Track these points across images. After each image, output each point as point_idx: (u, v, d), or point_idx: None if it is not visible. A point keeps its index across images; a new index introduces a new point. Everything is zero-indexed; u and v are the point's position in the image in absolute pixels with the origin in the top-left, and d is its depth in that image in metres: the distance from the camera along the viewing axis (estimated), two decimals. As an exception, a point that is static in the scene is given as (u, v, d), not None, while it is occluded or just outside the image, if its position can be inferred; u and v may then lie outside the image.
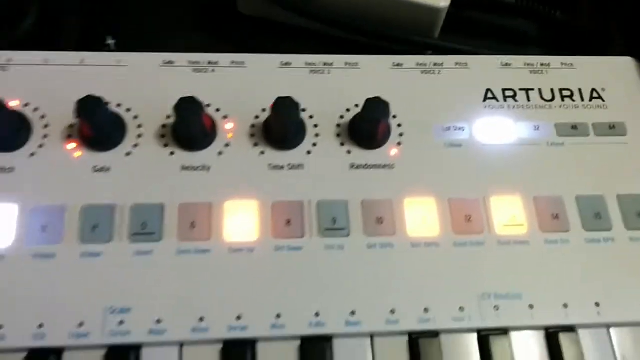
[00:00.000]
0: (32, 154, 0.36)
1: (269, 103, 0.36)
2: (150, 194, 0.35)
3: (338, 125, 0.38)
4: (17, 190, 0.35)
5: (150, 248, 0.34)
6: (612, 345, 0.35)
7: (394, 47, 0.45)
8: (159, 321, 0.33)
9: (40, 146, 0.36)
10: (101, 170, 0.36)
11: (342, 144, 0.38)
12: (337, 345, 0.33)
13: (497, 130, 0.39)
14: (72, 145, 0.36)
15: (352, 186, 0.37)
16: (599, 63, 0.43)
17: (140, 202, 0.35)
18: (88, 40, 0.45)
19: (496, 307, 0.34)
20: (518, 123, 0.40)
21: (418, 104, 0.40)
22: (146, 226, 0.35)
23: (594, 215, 0.37)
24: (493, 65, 0.42)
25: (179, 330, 0.33)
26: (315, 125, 0.38)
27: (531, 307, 0.34)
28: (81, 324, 0.32)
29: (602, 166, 0.39)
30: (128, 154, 0.36)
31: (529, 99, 0.41)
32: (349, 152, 0.38)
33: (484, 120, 0.40)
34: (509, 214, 0.37)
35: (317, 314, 0.33)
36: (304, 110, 0.38)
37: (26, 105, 0.37)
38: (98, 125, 0.35)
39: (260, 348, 0.33)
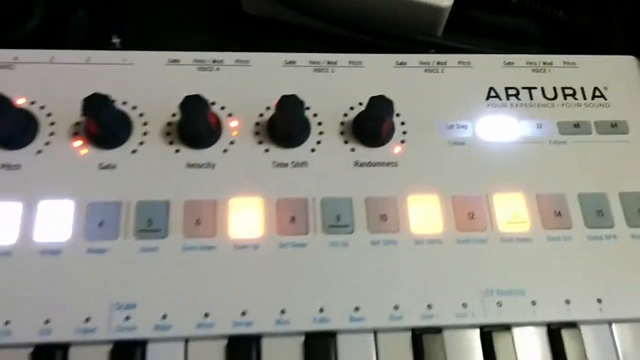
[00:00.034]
0: (39, 152, 0.36)
1: (273, 101, 0.36)
2: (156, 191, 0.36)
3: (342, 123, 0.39)
4: (23, 188, 0.35)
5: (155, 244, 0.34)
6: (614, 341, 0.35)
7: (397, 45, 0.45)
8: (164, 317, 0.33)
9: (47, 144, 0.36)
10: (107, 167, 0.36)
11: (346, 142, 0.38)
12: (341, 340, 0.34)
13: (500, 128, 0.40)
14: (78, 143, 0.37)
15: (356, 183, 0.37)
16: (601, 62, 0.43)
17: (146, 199, 0.35)
18: (93, 39, 0.46)
19: (499, 304, 0.35)
20: (521, 121, 0.40)
21: (421, 102, 0.40)
22: (152, 223, 0.35)
23: (596, 213, 0.37)
24: (496, 64, 0.42)
25: (185, 326, 0.33)
26: (320, 123, 0.39)
27: (534, 303, 0.35)
28: (87, 320, 0.33)
29: (604, 164, 0.39)
30: (134, 151, 0.37)
31: (531, 98, 0.41)
32: (352, 149, 0.38)
33: (487, 118, 0.40)
34: (511, 211, 0.37)
35: (321, 310, 0.34)
36: (308, 108, 0.39)
37: (32, 103, 0.37)
38: (104, 123, 0.35)
39: (265, 343, 0.33)
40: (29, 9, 0.44)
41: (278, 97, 0.36)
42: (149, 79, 0.39)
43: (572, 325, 0.35)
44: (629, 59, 0.44)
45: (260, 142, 0.38)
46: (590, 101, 0.41)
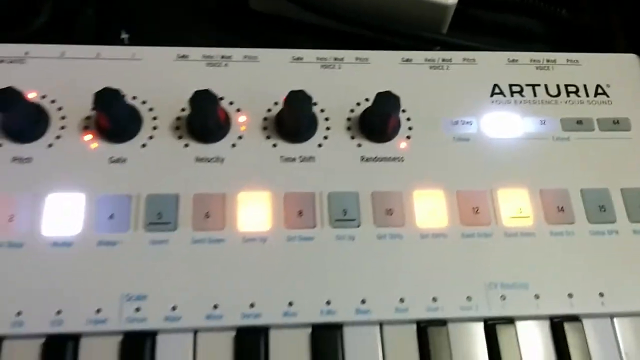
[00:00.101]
0: (50, 145, 0.37)
1: (281, 97, 0.37)
2: (166, 185, 0.36)
3: (348, 119, 0.39)
4: (35, 181, 0.36)
5: (165, 237, 0.35)
6: (615, 335, 0.35)
7: (402, 42, 0.45)
8: (174, 308, 0.33)
9: (58, 137, 0.37)
10: (117, 161, 0.37)
11: (353, 137, 0.39)
12: (348, 332, 0.34)
13: (504, 124, 0.40)
14: (88, 137, 0.37)
15: (362, 178, 0.37)
16: (604, 60, 0.44)
17: (156, 192, 0.36)
18: (101, 37, 0.46)
19: (503, 297, 0.35)
20: (524, 118, 0.41)
21: (427, 98, 0.40)
22: (161, 216, 0.35)
23: (599, 208, 0.38)
24: (500, 61, 0.43)
25: (194, 317, 0.33)
26: (326, 119, 0.39)
27: (537, 296, 0.35)
28: (99, 311, 0.33)
29: (606, 160, 0.40)
30: (143, 145, 0.37)
31: (535, 95, 0.42)
32: (359, 145, 0.38)
33: (492, 114, 0.40)
34: (515, 206, 0.37)
35: (328, 303, 0.34)
36: (315, 104, 0.39)
37: (43, 97, 0.38)
38: (115, 117, 0.36)
39: (273, 335, 0.34)
40: (37, 8, 0.45)
41: (285, 93, 0.36)
42: (158, 74, 0.39)
43: (575, 318, 0.35)
44: (631, 57, 0.44)
45: (268, 137, 0.38)
46: (593, 98, 0.42)
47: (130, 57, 0.40)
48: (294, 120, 0.37)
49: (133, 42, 0.46)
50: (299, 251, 0.35)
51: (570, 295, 0.35)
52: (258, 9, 0.48)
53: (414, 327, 0.35)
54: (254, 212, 0.36)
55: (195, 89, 0.35)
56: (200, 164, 0.37)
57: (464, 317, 0.35)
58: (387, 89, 0.37)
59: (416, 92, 0.40)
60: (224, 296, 0.34)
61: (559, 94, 0.42)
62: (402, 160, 0.38)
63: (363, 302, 0.34)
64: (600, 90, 0.42)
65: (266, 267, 0.35)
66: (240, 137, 0.38)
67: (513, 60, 0.43)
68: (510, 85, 0.42)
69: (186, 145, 0.37)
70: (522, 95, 0.41)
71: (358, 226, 0.36)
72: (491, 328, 0.35)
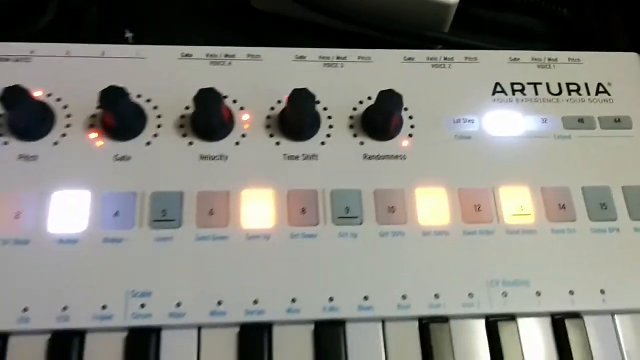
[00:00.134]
0: (56, 143, 0.37)
1: (284, 95, 0.37)
2: (170, 183, 0.36)
3: (351, 117, 0.39)
4: (40, 178, 0.36)
5: (170, 234, 0.35)
6: (617, 332, 0.36)
7: (403, 41, 0.45)
8: (178, 305, 0.34)
9: (63, 135, 0.37)
10: (122, 159, 0.37)
11: (356, 136, 0.39)
12: (350, 329, 0.34)
13: (506, 123, 0.40)
14: (94, 135, 0.37)
15: (365, 176, 0.38)
16: (605, 59, 0.44)
17: (161, 190, 0.36)
18: (105, 36, 0.46)
19: (504, 294, 0.35)
20: (526, 116, 0.41)
21: (429, 97, 0.41)
22: (166, 213, 0.36)
23: (600, 206, 0.38)
24: (502, 60, 0.43)
25: (198, 314, 0.34)
26: (329, 117, 0.39)
27: (538, 294, 0.35)
28: (104, 307, 0.33)
29: (607, 158, 0.40)
30: (148, 143, 0.37)
31: (537, 93, 0.42)
32: (362, 143, 0.39)
33: (493, 113, 0.41)
34: (517, 204, 0.38)
35: (331, 299, 0.34)
36: (318, 102, 0.39)
37: (49, 95, 0.38)
38: (120, 115, 0.36)
39: (276, 331, 0.34)
40: (43, 7, 0.45)
41: (289, 92, 0.36)
42: (163, 73, 0.40)
43: (576, 315, 0.36)
44: (632, 56, 0.44)
45: (271, 135, 0.38)
46: (595, 97, 0.42)
47: (134, 56, 0.40)
48: (298, 118, 0.38)
49: (136, 41, 0.46)
50: (302, 248, 0.36)
51: (571, 293, 0.36)
52: (261, 8, 0.49)
53: (416, 324, 0.35)
54: (258, 209, 0.36)
55: (200, 88, 0.36)
56: (205, 162, 0.37)
57: (466, 314, 0.35)
58: (389, 88, 0.37)
59: (418, 91, 0.41)
60: (228, 293, 0.34)
61: (560, 93, 0.42)
62: (405, 159, 0.38)
63: (366, 299, 0.35)
64: (601, 89, 0.42)
65: (270, 264, 0.35)
66: (244, 136, 0.38)
67: (515, 59, 0.43)
68: (512, 84, 0.42)
69: (190, 144, 0.38)
70: (524, 94, 0.42)
71: (361, 224, 0.36)
72: (493, 325, 0.35)
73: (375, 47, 0.42)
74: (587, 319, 0.36)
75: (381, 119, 0.38)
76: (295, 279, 0.35)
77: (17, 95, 0.35)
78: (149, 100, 0.39)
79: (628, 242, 0.37)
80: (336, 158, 0.38)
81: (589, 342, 0.35)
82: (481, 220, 0.37)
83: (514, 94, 0.42)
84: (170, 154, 0.37)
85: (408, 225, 0.37)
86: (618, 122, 0.41)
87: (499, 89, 0.42)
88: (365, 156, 0.38)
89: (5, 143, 0.37)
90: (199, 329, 0.34)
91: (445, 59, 0.42)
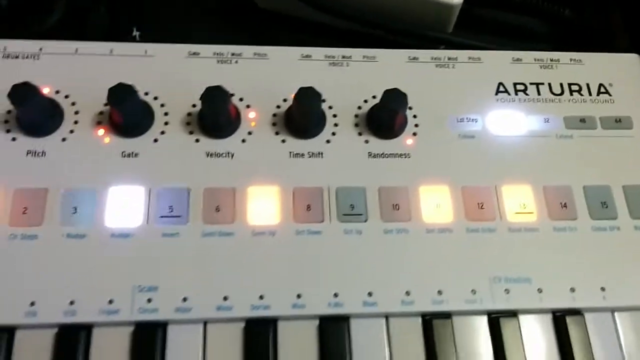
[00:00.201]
0: (64, 139, 0.37)
1: (290, 93, 0.37)
2: (177, 179, 0.37)
3: (356, 116, 0.40)
4: (48, 174, 0.36)
5: (176, 230, 0.36)
6: (616, 328, 0.36)
7: (407, 41, 0.46)
8: (185, 299, 0.34)
9: (71, 132, 0.38)
10: (129, 155, 0.37)
11: (360, 134, 0.39)
12: (354, 324, 0.35)
13: (509, 122, 0.41)
14: (101, 131, 0.38)
15: (369, 174, 0.38)
16: (607, 59, 0.44)
17: (168, 186, 0.36)
18: (113, 34, 0.47)
19: (506, 291, 0.36)
20: (529, 116, 0.41)
21: (433, 96, 0.41)
22: (173, 209, 0.36)
23: (601, 205, 0.39)
24: (505, 60, 0.43)
25: (204, 309, 0.34)
26: (335, 116, 0.40)
27: (540, 290, 0.36)
28: (111, 301, 0.34)
29: (608, 158, 0.40)
30: (155, 140, 0.38)
31: (539, 93, 0.42)
32: (366, 141, 0.39)
33: (496, 112, 0.41)
34: (519, 202, 0.38)
35: (335, 295, 0.35)
36: (323, 101, 0.39)
37: (57, 92, 0.39)
38: (128, 112, 0.36)
39: (281, 326, 0.34)
40: (51, 6, 0.45)
41: (294, 90, 0.37)
42: (170, 71, 0.40)
43: (577, 312, 0.36)
44: (633, 57, 0.45)
45: (277, 133, 0.39)
46: (596, 97, 0.43)
47: (142, 54, 0.40)
48: (303, 116, 0.38)
49: (143, 39, 0.46)
50: (307, 245, 0.36)
51: (572, 290, 0.36)
52: (265, 7, 0.49)
53: (419, 319, 0.35)
54: (264, 206, 0.37)
55: (206, 85, 0.36)
56: (211, 159, 0.38)
57: (468, 310, 0.36)
58: (394, 87, 0.38)
59: (422, 90, 0.41)
60: (234, 288, 0.34)
61: (562, 93, 0.42)
62: (409, 157, 0.39)
63: (370, 295, 0.35)
64: (602, 89, 0.43)
65: (275, 260, 0.35)
66: (250, 133, 0.39)
67: (517, 59, 0.44)
68: (515, 84, 0.42)
69: (197, 141, 0.38)
70: (526, 94, 0.42)
71: (365, 221, 0.37)
72: (495, 321, 0.36)
73: (378, 46, 0.43)
74: (587, 315, 0.36)
75: (386, 117, 0.38)
76: (300, 274, 0.35)
77: (25, 92, 0.35)
78: (156, 98, 0.39)
79: (628, 240, 0.38)
80: (341, 156, 0.39)
81: (589, 338, 0.35)
82: (484, 217, 0.38)
83: (516, 94, 0.42)
84: (177, 150, 0.38)
85: (412, 223, 0.37)
86: (619, 122, 0.42)
87: (501, 88, 0.42)
88: (369, 154, 0.39)
89: (14, 139, 0.37)
90: (205, 323, 0.34)
91: (449, 58, 0.43)
